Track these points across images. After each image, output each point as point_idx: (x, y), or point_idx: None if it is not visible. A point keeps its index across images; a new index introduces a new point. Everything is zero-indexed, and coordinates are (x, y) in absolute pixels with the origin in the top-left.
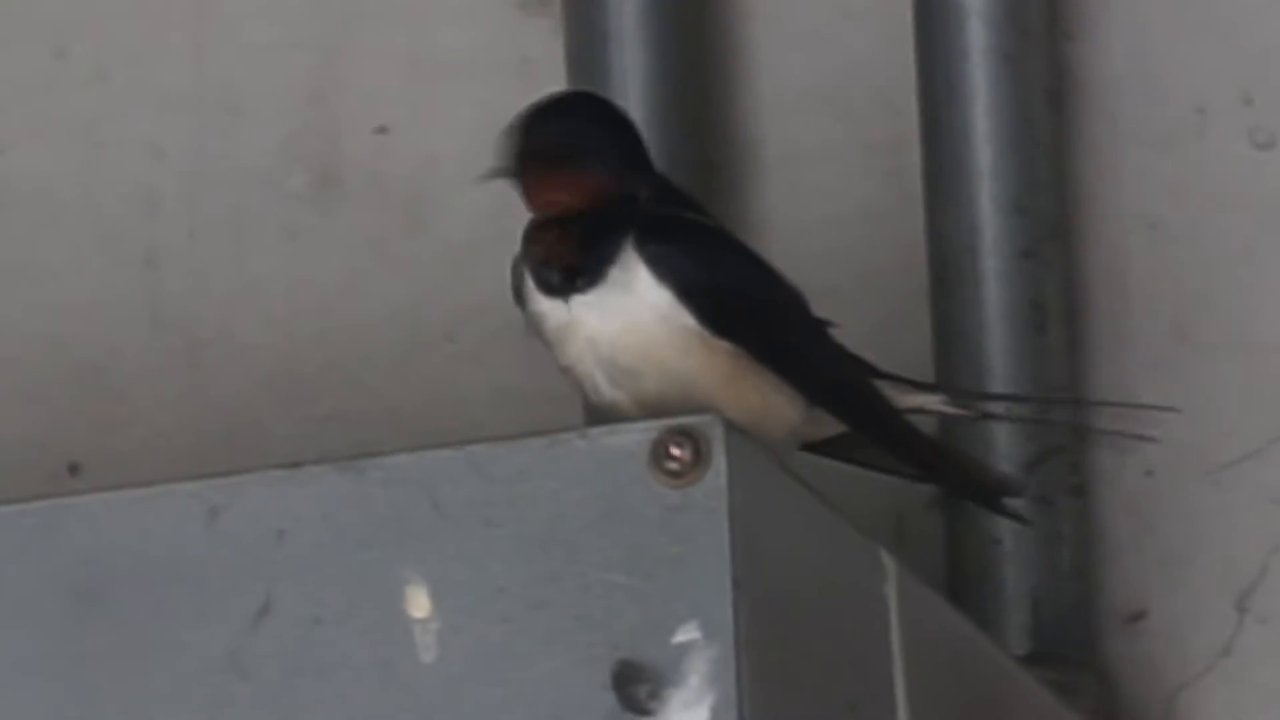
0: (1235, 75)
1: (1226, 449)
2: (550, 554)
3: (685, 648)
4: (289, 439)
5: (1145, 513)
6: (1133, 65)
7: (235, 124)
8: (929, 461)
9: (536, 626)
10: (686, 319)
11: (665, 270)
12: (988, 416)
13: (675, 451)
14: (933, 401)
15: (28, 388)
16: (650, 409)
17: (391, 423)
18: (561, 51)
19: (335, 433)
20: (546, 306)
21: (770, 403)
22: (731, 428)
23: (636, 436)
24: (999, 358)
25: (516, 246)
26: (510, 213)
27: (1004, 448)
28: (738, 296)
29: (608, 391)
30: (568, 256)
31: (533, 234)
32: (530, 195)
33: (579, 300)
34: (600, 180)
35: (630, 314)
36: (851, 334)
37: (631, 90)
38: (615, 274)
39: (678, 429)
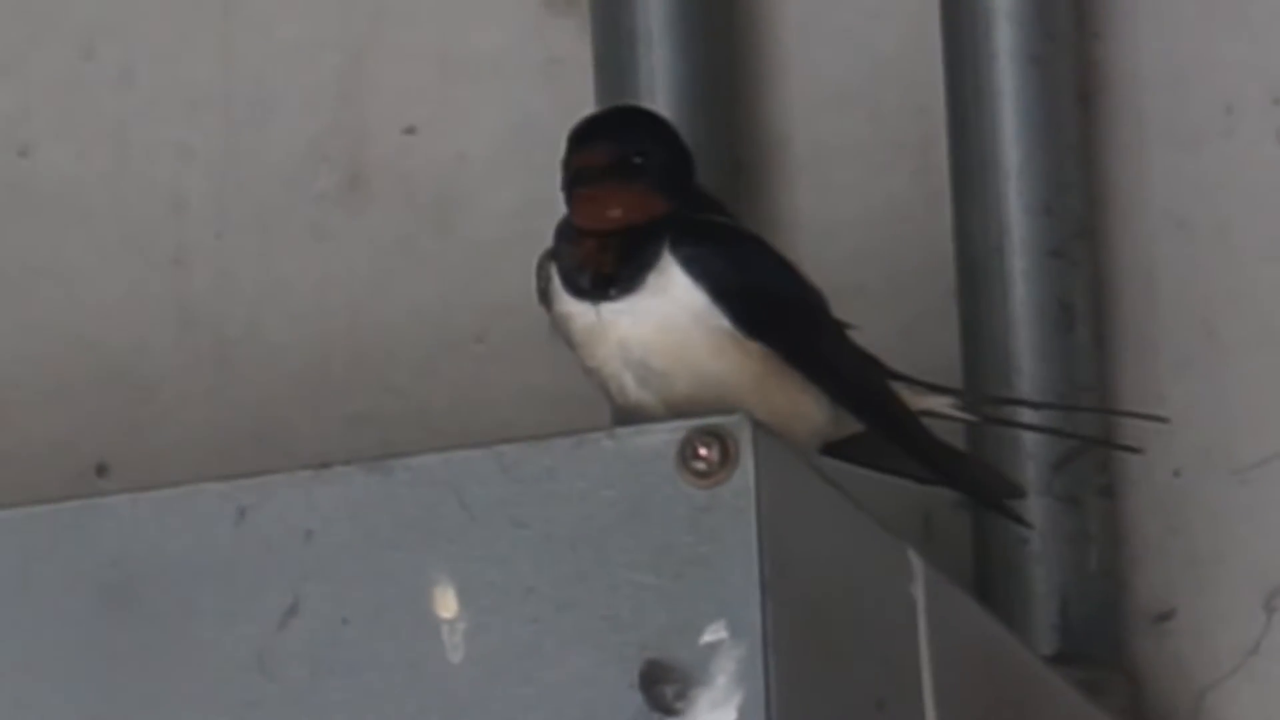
0: (1263, 74)
1: (1255, 448)
2: (578, 554)
3: (713, 647)
4: (317, 439)
5: (1173, 512)
6: (1160, 65)
7: (263, 124)
8: (943, 463)
9: (564, 626)
10: (720, 320)
11: (700, 272)
12: (990, 421)
13: (703, 451)
14: (942, 404)
15: (56, 388)
16: (679, 410)
17: (419, 423)
18: (589, 51)
19: (363, 433)
20: (574, 308)
21: (798, 403)
22: (759, 427)
23: (664, 436)
24: (1026, 357)
25: (545, 246)
26: (538, 212)
27: (1031, 447)
28: (770, 298)
29: (635, 393)
30: (605, 265)
31: (570, 238)
32: (585, 210)
33: (611, 305)
34: (652, 199)
35: (665, 316)
36: (879, 333)
37: (659, 90)
38: (651, 279)
39: (705, 429)
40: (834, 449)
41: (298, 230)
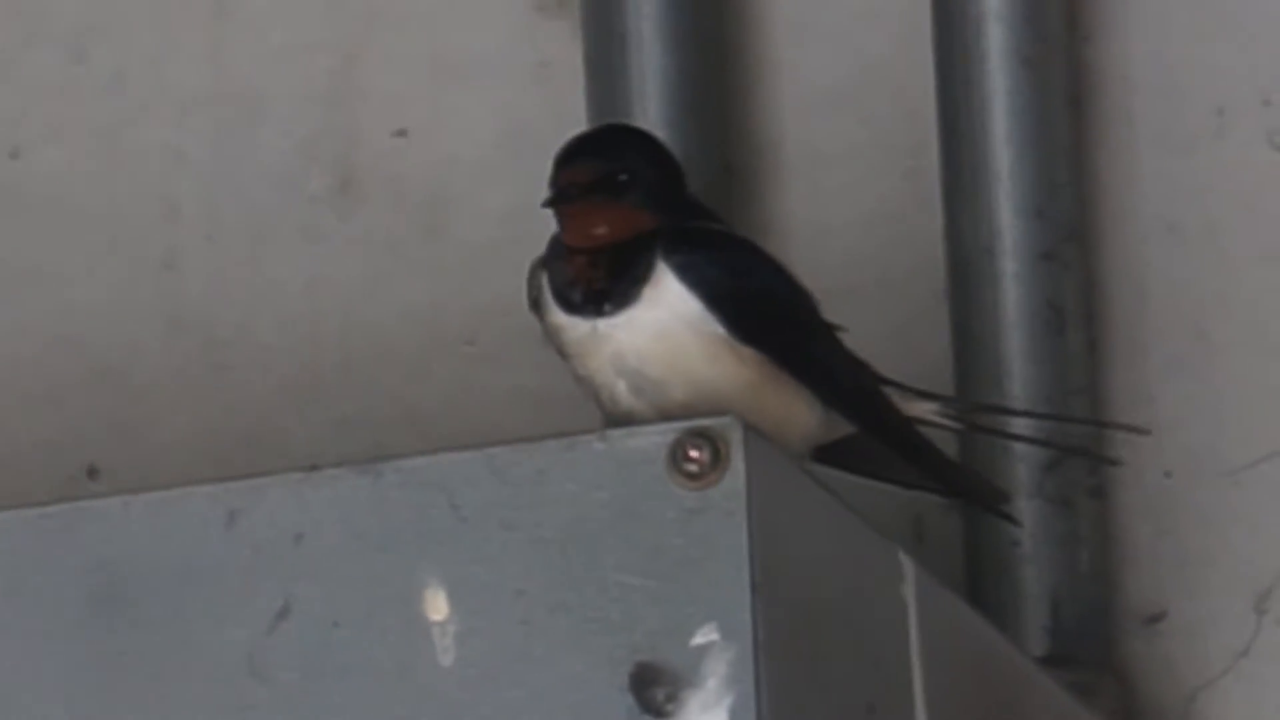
0: (1254, 77)
1: (1245, 451)
2: (568, 556)
3: (704, 650)
4: (307, 441)
5: (1164, 514)
6: (1152, 68)
7: (254, 127)
8: (934, 467)
9: (555, 629)
10: (715, 327)
11: (694, 280)
12: (975, 429)
13: (693, 454)
14: (928, 410)
15: (46, 391)
16: (671, 418)
17: (410, 425)
18: (580, 54)
19: (354, 435)
20: (566, 320)
21: (791, 408)
22: (750, 429)
23: (655, 439)
24: (1017, 360)
25: (536, 250)
26: (529, 216)
27: (1022, 449)
28: (764, 304)
29: (627, 400)
30: (597, 282)
31: (561, 255)
32: (571, 227)
33: (607, 320)
34: (639, 215)
35: (660, 325)
36: (870, 336)
37: (650, 93)
38: (646, 291)
39: (696, 431)
40: (824, 455)
41: (288, 233)
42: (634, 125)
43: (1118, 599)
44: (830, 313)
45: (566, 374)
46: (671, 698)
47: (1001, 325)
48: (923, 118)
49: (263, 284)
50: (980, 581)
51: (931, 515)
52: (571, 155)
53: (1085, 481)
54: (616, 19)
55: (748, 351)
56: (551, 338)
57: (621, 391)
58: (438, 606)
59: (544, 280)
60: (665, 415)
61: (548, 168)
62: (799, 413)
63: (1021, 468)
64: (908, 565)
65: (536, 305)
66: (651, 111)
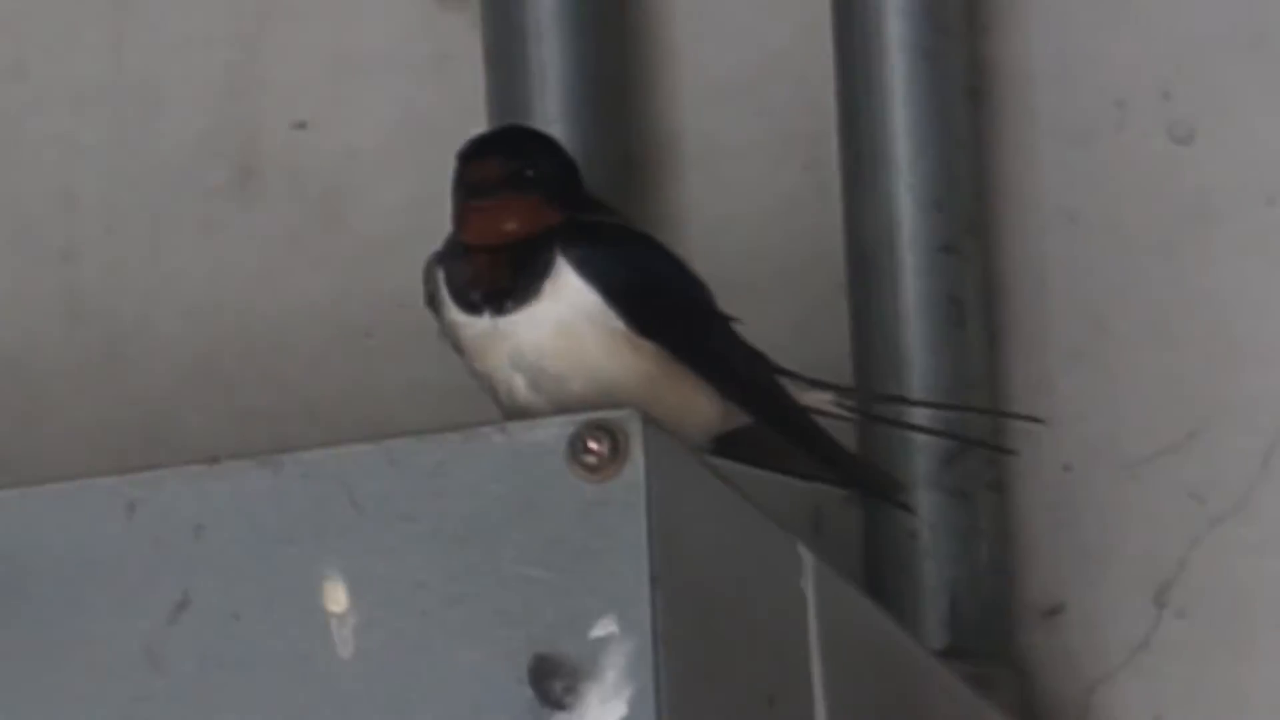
0: (1154, 69)
1: (1145, 443)
2: (468, 548)
3: (603, 642)
4: (207, 433)
5: (1063, 507)
6: (1051, 60)
7: (153, 119)
8: (830, 457)
9: (454, 621)
10: (614, 321)
11: (593, 274)
12: (871, 419)
13: (593, 446)
14: (823, 400)
15: None
16: (570, 412)
17: (309, 417)
18: (479, 46)
19: (253, 427)
20: (463, 318)
21: (690, 401)
22: (649, 422)
23: (554, 431)
24: (918, 352)
25: (435, 242)
26: (428, 207)
27: (921, 441)
28: (662, 297)
29: (525, 396)
30: (500, 280)
31: (460, 255)
32: (479, 223)
33: (504, 319)
34: (546, 210)
35: (560, 320)
36: (770, 328)
37: (549, 85)
38: (547, 286)
39: (595, 423)
40: (723, 447)
41: (188, 225)
42: (529, 126)
43: (1017, 592)
44: (730, 304)
45: (466, 367)
46: (570, 690)
47: (901, 317)
48: (822, 110)
49: (162, 276)
50: (879, 574)
51: (830, 507)
52: (476, 153)
53: (984, 474)
54: (516, 11)
55: (646, 345)
56: (448, 334)
57: (519, 387)
58: (337, 598)
59: (440, 278)
60: (564, 410)
61: (448, 160)
62: (697, 405)
63: (920, 460)
64: (807, 557)
65: (433, 302)
66: (551, 104)
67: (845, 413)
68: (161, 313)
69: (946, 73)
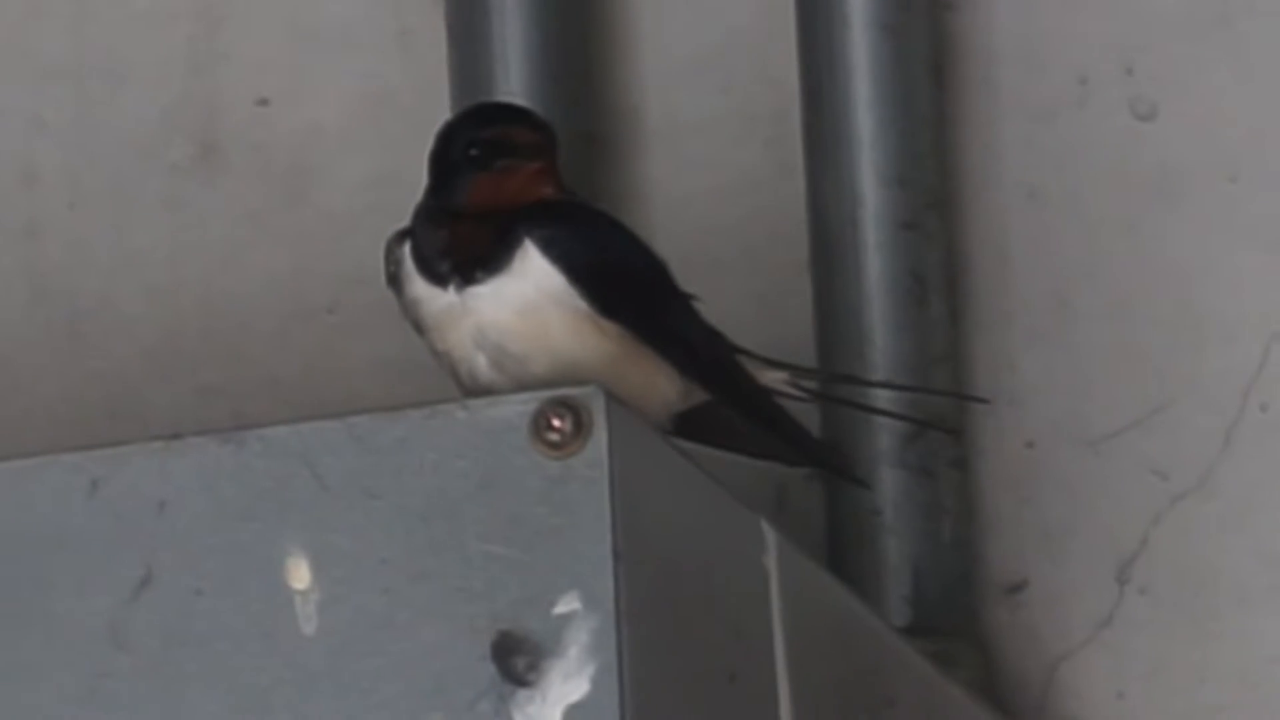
0: (1117, 45)
1: (1107, 420)
2: (431, 525)
3: (566, 619)
4: (169, 410)
5: (1026, 484)
6: (1014, 36)
7: (116, 95)
8: (787, 435)
9: (417, 597)
10: (578, 302)
11: (557, 254)
12: (825, 399)
13: (556, 422)
14: (779, 380)
15: None
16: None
17: (272, 394)
18: (442, 21)
19: (216, 404)
20: (427, 293)
21: (651, 381)
22: (612, 399)
23: (517, 408)
24: (880, 329)
25: (398, 218)
26: (391, 183)
27: (884, 418)
28: (625, 278)
29: (486, 375)
30: (477, 249)
31: (438, 221)
32: (501, 186)
33: (474, 290)
34: (558, 182)
35: (524, 299)
36: (733, 305)
37: (512, 60)
38: (515, 261)
39: (558, 400)
40: (684, 429)
41: (150, 201)
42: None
43: (979, 569)
44: (692, 282)
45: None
46: (533, 666)
47: (864, 294)
48: (785, 86)
49: (124, 252)
50: (842, 551)
51: (794, 485)
52: (507, 115)
53: (947, 452)
54: None
55: (610, 325)
56: (410, 312)
57: (481, 366)
58: (300, 575)
59: (404, 253)
60: (525, 390)
61: (411, 136)
62: (659, 384)
63: (883, 437)
64: (770, 534)
65: (394, 280)
66: (513, 79)
67: (801, 393)
68: (124, 289)
69: (909, 49)
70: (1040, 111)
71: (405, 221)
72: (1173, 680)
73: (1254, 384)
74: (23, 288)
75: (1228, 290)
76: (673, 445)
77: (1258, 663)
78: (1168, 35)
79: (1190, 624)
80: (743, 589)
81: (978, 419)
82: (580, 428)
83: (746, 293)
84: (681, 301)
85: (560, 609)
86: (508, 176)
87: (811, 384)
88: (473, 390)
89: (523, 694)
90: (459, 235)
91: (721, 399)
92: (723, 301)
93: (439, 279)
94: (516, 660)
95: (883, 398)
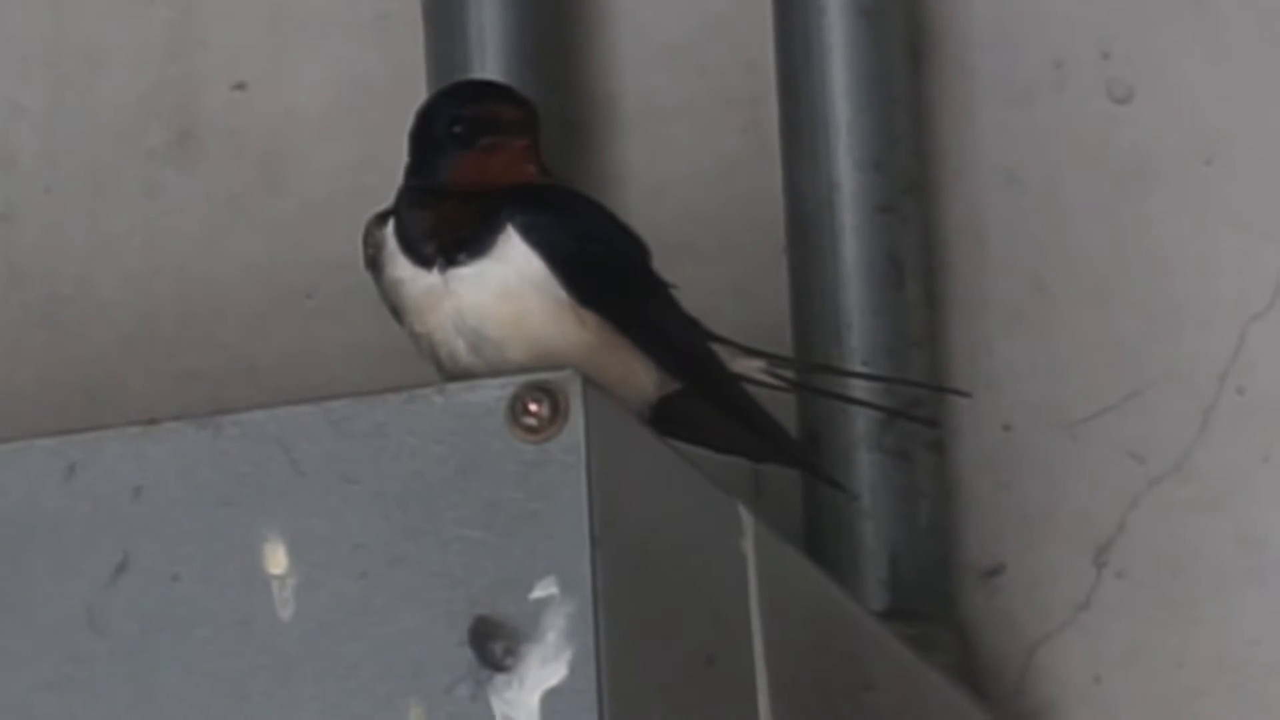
0: (1093, 29)
1: (1085, 404)
2: (408, 510)
3: (543, 603)
4: (147, 395)
5: (1003, 468)
6: (990, 20)
7: (93, 80)
8: (763, 429)
9: (394, 582)
10: (558, 290)
11: (537, 240)
12: (801, 388)
13: (533, 407)
14: (754, 368)
15: None
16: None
17: (249, 379)
18: (418, 7)
19: (193, 389)
20: (409, 273)
21: (628, 370)
22: (589, 383)
23: (494, 392)
24: (857, 313)
25: (375, 203)
26: (368, 168)
27: (881, 403)
28: (605, 267)
29: (465, 359)
30: (463, 229)
31: (423, 202)
32: (488, 164)
33: (456, 271)
34: (541, 162)
35: (504, 284)
36: (710, 290)
37: (488, 45)
38: (498, 244)
39: (536, 385)
40: (657, 422)
41: (128, 186)
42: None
43: (957, 552)
44: (669, 267)
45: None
46: (510, 651)
47: (841, 278)
48: (762, 70)
49: (101, 237)
50: (819, 535)
51: (771, 469)
52: (500, 93)
53: (924, 435)
54: None
55: (588, 314)
56: (390, 294)
57: (460, 350)
58: (277, 560)
59: (384, 235)
60: (503, 372)
61: (388, 121)
62: (636, 374)
63: (861, 421)
64: (747, 518)
65: (374, 263)
66: (490, 64)
67: (778, 381)
68: (101, 274)
69: (886, 33)
70: (1017, 95)
71: (383, 206)
72: (1150, 664)
73: (1231, 367)
74: (0, 272)
75: (1204, 273)
76: (651, 430)
77: (1235, 646)
78: (1143, 18)
79: (1168, 607)
80: (720, 573)
81: (954, 403)
82: (557, 412)
83: (724, 277)
84: (662, 291)
85: (537, 594)
86: (492, 155)
87: (789, 372)
88: (452, 373)
89: (500, 679)
90: (443, 215)
91: (698, 391)
92: (700, 286)
93: (423, 260)
94: (494, 645)
95: (860, 386)
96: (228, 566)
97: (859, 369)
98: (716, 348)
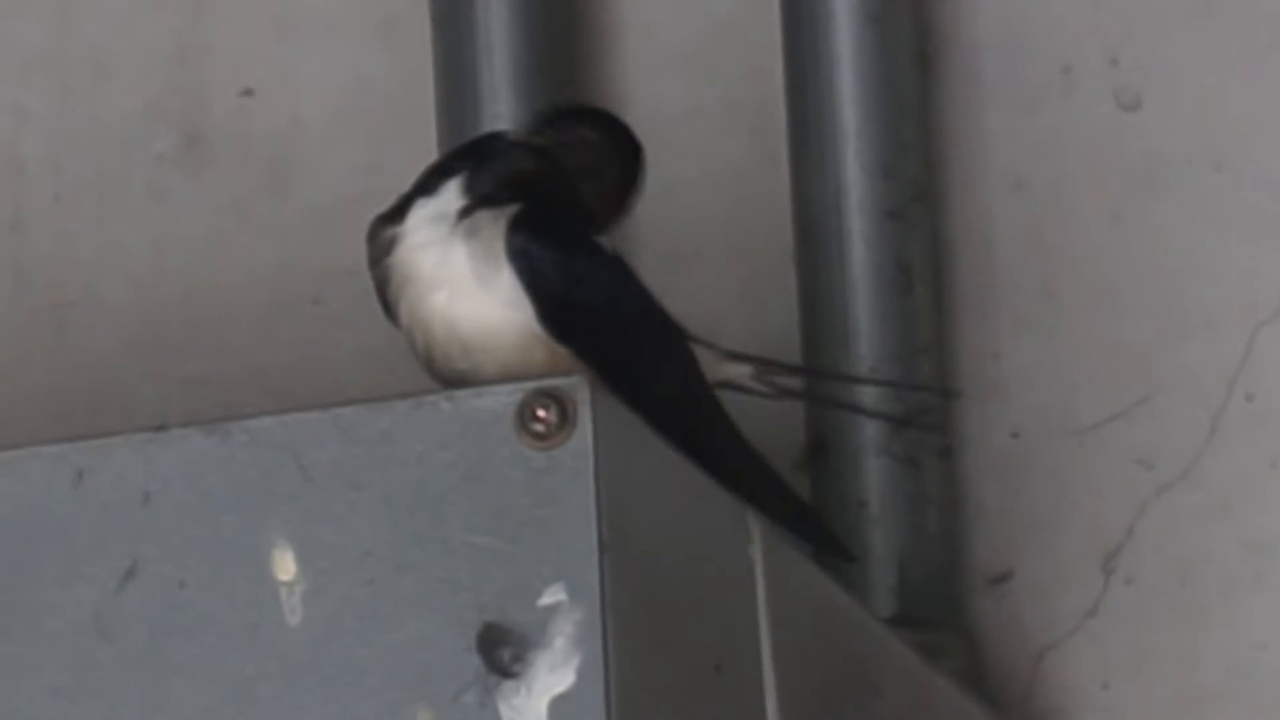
0: (1101, 35)
1: (1093, 410)
2: (416, 516)
3: (551, 610)
4: (154, 401)
5: (1012, 474)
6: (999, 26)
7: (100, 86)
8: (756, 496)
9: (402, 589)
10: (533, 323)
11: (523, 268)
12: (787, 394)
13: (541, 413)
14: (741, 375)
15: None
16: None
17: (257, 385)
18: (426, 11)
19: (201, 395)
20: (422, 238)
21: None
22: (598, 389)
23: (502, 399)
24: (865, 319)
25: (380, 207)
26: (375, 174)
27: (870, 407)
28: (590, 310)
29: (460, 361)
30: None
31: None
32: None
33: (455, 247)
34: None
35: (478, 306)
36: (718, 295)
37: (497, 50)
38: (496, 246)
39: (543, 391)
40: None
41: (135, 192)
42: None
43: (965, 559)
44: (677, 272)
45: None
46: (519, 658)
47: (849, 284)
48: (770, 76)
49: (109, 243)
50: None
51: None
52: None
53: (932, 441)
54: None
55: (562, 351)
56: (387, 279)
57: (455, 351)
58: (285, 566)
59: (392, 233)
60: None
61: (395, 127)
62: None
63: (869, 427)
64: (755, 525)
65: (376, 264)
66: (498, 69)
67: (763, 387)
68: (108, 280)
69: (894, 39)
70: (1025, 101)
71: (387, 206)
72: (1159, 670)
73: (1239, 374)
74: (7, 279)
75: (1213, 279)
76: (658, 436)
77: (1243, 652)
78: (1152, 25)
79: (1176, 614)
80: (728, 580)
81: (963, 409)
82: (565, 419)
83: (731, 282)
84: (656, 338)
85: (546, 600)
86: (609, 188)
87: (789, 380)
88: (449, 373)
89: (508, 685)
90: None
91: (683, 452)
92: (708, 291)
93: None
94: (502, 651)
95: (863, 392)
96: (236, 573)
97: (867, 375)
98: (699, 349)
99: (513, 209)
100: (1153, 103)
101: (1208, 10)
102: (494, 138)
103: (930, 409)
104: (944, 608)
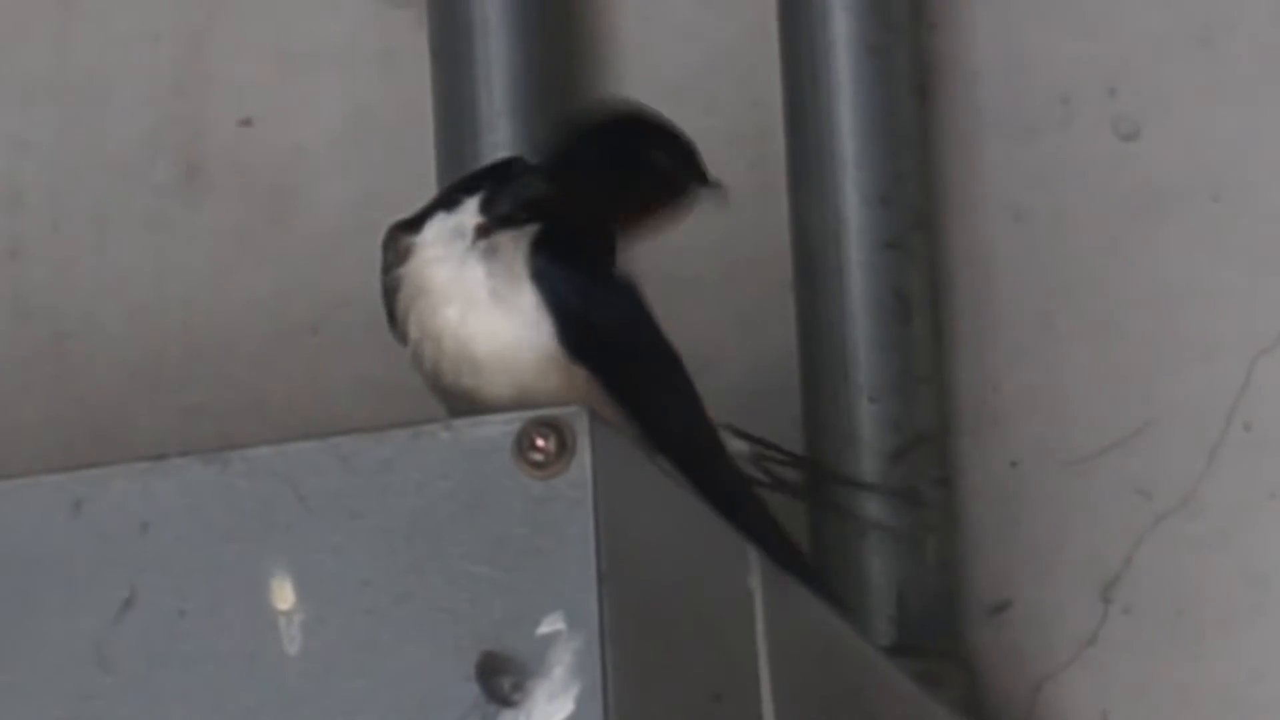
0: (1099, 66)
1: (1091, 439)
2: (415, 545)
3: (550, 639)
4: (153, 431)
5: (1010, 503)
6: (997, 56)
7: (99, 115)
8: (760, 535)
9: (401, 618)
10: (551, 342)
11: (546, 288)
12: (781, 488)
13: (540, 442)
14: (738, 453)
15: None
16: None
17: (256, 414)
18: (426, 43)
19: (200, 424)
20: (438, 251)
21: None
22: (596, 418)
23: (501, 427)
24: (863, 349)
25: (378, 238)
26: (374, 204)
27: (869, 437)
28: (609, 332)
29: (469, 378)
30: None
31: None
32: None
33: (472, 253)
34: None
35: (497, 324)
36: (716, 326)
37: (496, 81)
38: (515, 261)
39: (542, 420)
40: None
41: (134, 222)
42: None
43: (964, 588)
44: (675, 301)
45: (412, 364)
46: (518, 687)
47: (847, 314)
48: (769, 106)
49: (109, 273)
50: (826, 570)
51: (777, 504)
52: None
53: (931, 471)
54: (462, 7)
55: (579, 370)
56: (404, 287)
57: (464, 370)
58: (284, 596)
59: (408, 242)
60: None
61: (394, 156)
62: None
63: (867, 456)
64: (754, 554)
65: (390, 271)
66: (497, 100)
67: (759, 474)
68: (108, 310)
69: (893, 70)
70: (1023, 131)
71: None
72: (1157, 700)
73: (1238, 403)
74: (6, 308)
75: (1211, 309)
76: (657, 465)
77: (1241, 682)
78: (1150, 55)
79: (1174, 643)
80: (728, 609)
81: (962, 439)
82: (564, 448)
83: (730, 311)
84: (664, 368)
85: (544, 629)
86: (658, 204)
87: (785, 471)
88: (454, 389)
89: (507, 714)
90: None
91: (690, 482)
92: (706, 320)
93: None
94: (501, 680)
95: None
96: (235, 602)
97: (865, 404)
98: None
99: (533, 230)
100: (1151, 133)
101: (1206, 41)
102: (517, 160)
103: (938, 435)
104: (943, 637)
